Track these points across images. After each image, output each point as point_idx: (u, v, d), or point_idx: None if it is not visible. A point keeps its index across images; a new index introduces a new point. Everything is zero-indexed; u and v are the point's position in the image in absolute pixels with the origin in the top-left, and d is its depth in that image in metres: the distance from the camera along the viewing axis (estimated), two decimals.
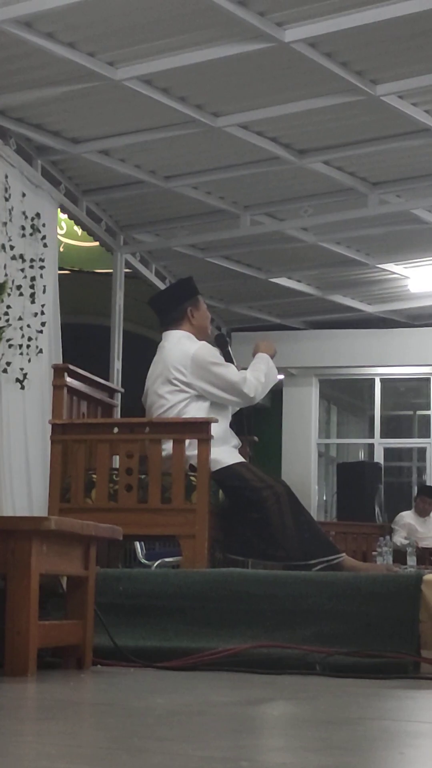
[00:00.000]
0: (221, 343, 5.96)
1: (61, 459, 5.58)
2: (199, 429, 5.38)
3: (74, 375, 5.80)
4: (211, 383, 5.60)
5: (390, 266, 11.73)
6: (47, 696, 3.30)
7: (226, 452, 5.56)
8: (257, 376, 5.69)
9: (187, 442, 5.40)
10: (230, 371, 5.64)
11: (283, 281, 12.30)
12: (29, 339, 8.49)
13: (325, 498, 15.10)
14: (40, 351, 8.60)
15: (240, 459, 5.65)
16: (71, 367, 5.80)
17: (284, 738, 2.61)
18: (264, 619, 4.23)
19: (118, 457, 5.59)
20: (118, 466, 5.56)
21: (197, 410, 5.57)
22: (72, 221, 10.55)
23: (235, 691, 3.55)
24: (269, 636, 4.16)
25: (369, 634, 4.11)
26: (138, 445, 5.51)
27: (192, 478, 5.36)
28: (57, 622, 3.87)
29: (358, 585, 4.26)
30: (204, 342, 5.75)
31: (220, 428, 5.54)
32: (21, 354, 8.40)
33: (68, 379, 5.71)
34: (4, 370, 8.21)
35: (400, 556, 10.75)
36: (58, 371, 5.76)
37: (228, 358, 5.78)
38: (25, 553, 3.51)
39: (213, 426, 5.38)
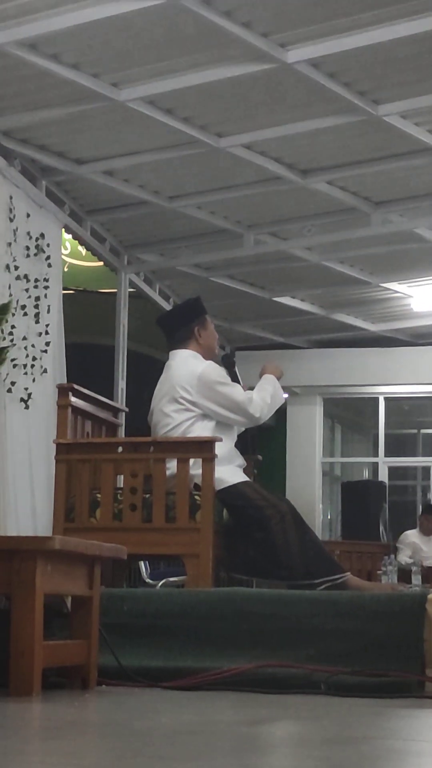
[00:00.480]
0: (228, 363, 5.97)
1: (66, 478, 5.59)
2: (204, 448, 5.39)
3: (78, 395, 5.81)
4: (217, 403, 5.61)
5: (393, 285, 11.75)
6: (52, 716, 3.30)
7: (230, 471, 5.56)
8: (263, 396, 5.70)
9: (191, 461, 5.40)
10: (236, 391, 5.65)
11: (286, 300, 12.32)
12: (33, 359, 8.51)
13: (329, 517, 15.09)
14: (45, 371, 8.62)
15: (244, 478, 5.66)
16: (75, 386, 5.81)
17: (288, 757, 2.62)
18: (268, 638, 4.23)
19: (122, 476, 5.60)
20: (122, 486, 5.56)
21: (202, 429, 5.58)
22: (76, 241, 10.59)
23: (240, 711, 3.55)
24: (273, 655, 4.16)
25: (373, 653, 4.11)
26: (142, 465, 5.52)
27: (196, 497, 5.37)
28: (62, 642, 3.87)
29: (362, 604, 4.26)
30: (211, 362, 5.76)
31: (225, 447, 5.55)
32: (25, 374, 8.42)
33: (72, 399, 5.72)
34: (9, 390, 8.23)
35: (405, 575, 10.73)
36: (63, 391, 5.77)
37: (234, 378, 5.80)
38: (30, 573, 3.51)
39: (218, 445, 5.39)
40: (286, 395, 6.85)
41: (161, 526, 5.38)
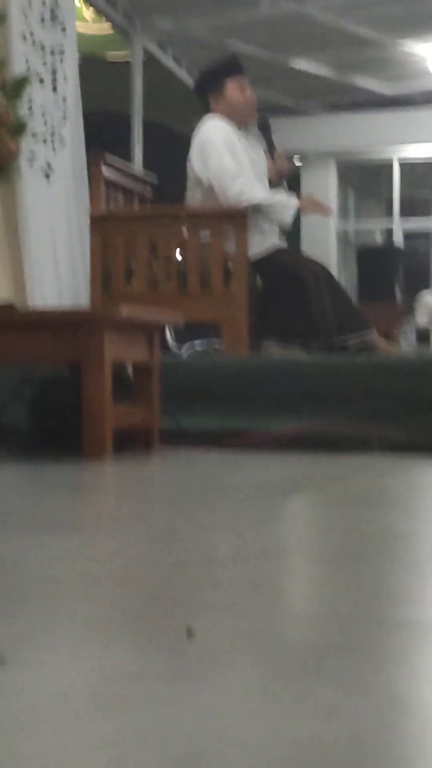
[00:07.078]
0: (263, 126, 5.76)
1: (101, 250, 5.61)
2: (236, 219, 5.32)
3: (109, 165, 5.77)
4: (205, 165, 5.41)
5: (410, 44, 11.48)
6: (127, 474, 3.46)
7: (261, 240, 5.53)
8: (262, 195, 5.45)
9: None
10: (227, 158, 5.38)
11: (301, 64, 12.06)
12: (53, 131, 8.37)
13: (345, 283, 15.15)
14: (63, 141, 8.49)
15: (278, 245, 5.64)
16: (107, 156, 5.76)
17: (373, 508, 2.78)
18: (320, 400, 4.35)
19: (156, 246, 5.59)
20: (157, 256, 5.57)
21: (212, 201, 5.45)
22: (81, 6, 10.27)
23: (305, 468, 3.71)
24: (326, 416, 4.27)
25: (424, 412, 4.22)
26: (176, 234, 5.47)
27: (230, 265, 5.36)
28: (127, 405, 3.97)
29: (410, 364, 4.37)
30: (217, 123, 5.49)
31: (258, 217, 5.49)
32: (44, 142, 8.30)
33: (105, 171, 5.69)
34: (30, 165, 8.13)
35: (423, 336, 10.88)
36: (95, 161, 5.74)
37: (270, 145, 5.70)
38: (99, 341, 3.61)
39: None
40: (299, 164, 6.73)
41: (196, 293, 5.42)
